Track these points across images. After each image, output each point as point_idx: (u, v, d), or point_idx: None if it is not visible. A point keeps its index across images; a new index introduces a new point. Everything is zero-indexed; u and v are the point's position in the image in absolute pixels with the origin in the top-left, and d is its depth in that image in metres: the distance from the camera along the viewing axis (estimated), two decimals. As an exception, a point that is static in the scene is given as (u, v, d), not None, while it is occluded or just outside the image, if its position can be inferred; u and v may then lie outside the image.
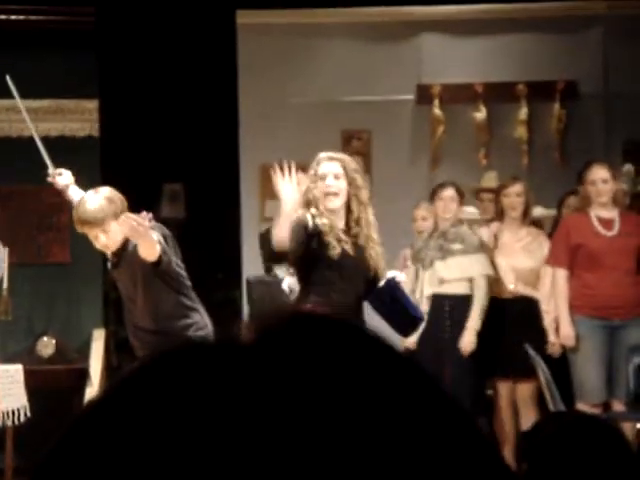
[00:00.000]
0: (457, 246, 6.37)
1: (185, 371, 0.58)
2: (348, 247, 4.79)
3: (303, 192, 4.86)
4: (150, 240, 4.57)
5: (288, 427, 0.56)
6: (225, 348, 0.60)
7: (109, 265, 5.08)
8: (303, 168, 6.43)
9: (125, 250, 4.87)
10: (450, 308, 6.31)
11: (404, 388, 0.59)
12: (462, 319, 6.26)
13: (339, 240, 4.78)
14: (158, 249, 4.64)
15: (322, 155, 4.93)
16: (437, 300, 6.32)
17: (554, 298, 6.20)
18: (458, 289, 6.34)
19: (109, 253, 4.98)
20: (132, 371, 0.60)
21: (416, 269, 6.42)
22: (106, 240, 4.81)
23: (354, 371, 0.58)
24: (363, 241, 4.83)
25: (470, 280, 6.35)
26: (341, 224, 4.84)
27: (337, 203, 4.82)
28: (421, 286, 6.38)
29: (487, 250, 6.46)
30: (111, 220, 4.78)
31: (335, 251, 4.74)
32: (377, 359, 0.60)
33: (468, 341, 6.20)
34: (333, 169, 4.86)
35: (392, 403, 0.58)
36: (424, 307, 6.20)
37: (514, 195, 6.46)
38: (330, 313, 0.64)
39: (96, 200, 4.84)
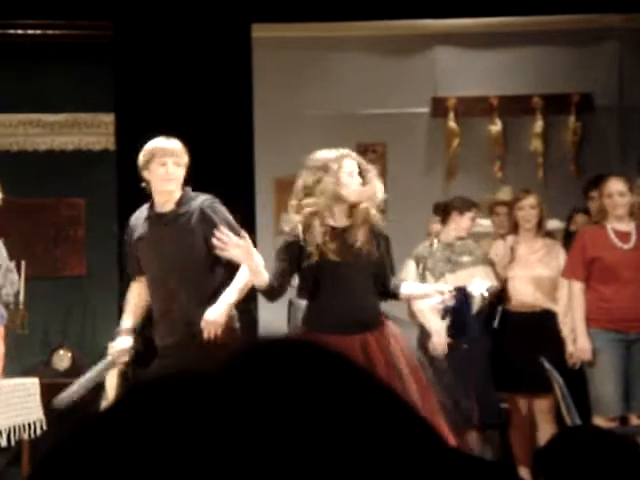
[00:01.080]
0: (466, 258, 6.38)
1: (151, 407, 0.60)
2: (332, 252, 4.72)
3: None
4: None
5: (243, 457, 0.58)
6: (190, 380, 0.62)
7: (144, 227, 4.96)
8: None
9: (182, 212, 4.83)
10: None
11: (358, 404, 0.61)
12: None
13: (322, 246, 4.72)
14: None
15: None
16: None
17: (570, 311, 6.19)
18: None
19: (167, 203, 4.88)
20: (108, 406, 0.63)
21: (420, 276, 6.39)
22: (181, 171, 4.92)
23: (310, 394, 0.60)
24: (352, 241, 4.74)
25: None
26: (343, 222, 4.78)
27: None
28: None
29: (492, 263, 6.49)
30: (187, 160, 4.94)
31: (312, 259, 4.71)
32: (333, 379, 0.61)
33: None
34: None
35: (345, 420, 0.60)
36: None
37: (528, 208, 6.46)
38: (298, 334, 0.67)
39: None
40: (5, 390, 6.39)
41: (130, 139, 7.86)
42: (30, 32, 7.58)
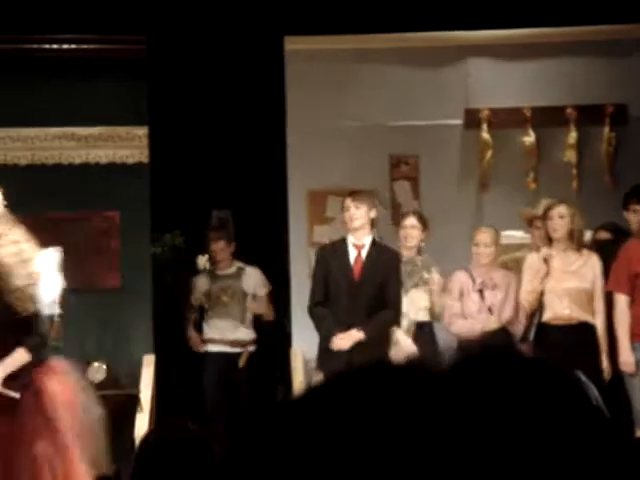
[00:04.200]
0: (426, 275, 6.51)
1: (377, 391, 0.61)
2: None
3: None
4: None
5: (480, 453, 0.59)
6: (421, 375, 0.62)
7: None
8: (352, 193, 6.44)
9: None
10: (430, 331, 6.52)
11: (579, 422, 0.62)
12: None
13: None
14: None
15: None
16: (423, 326, 6.50)
17: (615, 324, 6.13)
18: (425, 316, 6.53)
19: None
20: (325, 385, 0.63)
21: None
22: None
23: (539, 404, 0.62)
24: None
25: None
26: None
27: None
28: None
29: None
30: None
31: None
32: (563, 397, 0.63)
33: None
34: None
35: (568, 434, 0.63)
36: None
37: (556, 217, 6.40)
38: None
39: None
40: (40, 402, 6.40)
41: (164, 152, 7.91)
42: (65, 47, 7.64)
